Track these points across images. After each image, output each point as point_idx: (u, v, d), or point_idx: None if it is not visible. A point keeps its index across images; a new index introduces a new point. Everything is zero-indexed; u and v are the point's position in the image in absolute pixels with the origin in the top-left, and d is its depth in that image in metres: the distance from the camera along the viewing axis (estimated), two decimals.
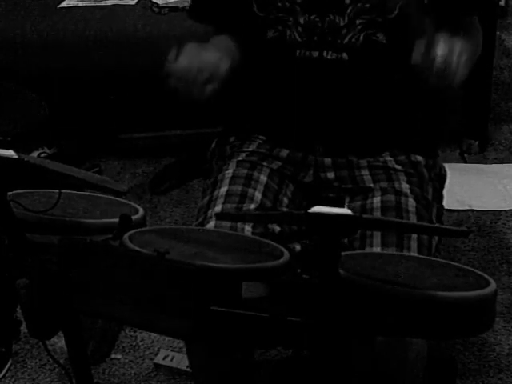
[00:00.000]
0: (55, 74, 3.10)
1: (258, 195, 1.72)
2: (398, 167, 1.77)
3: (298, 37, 1.70)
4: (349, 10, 1.67)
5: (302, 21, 1.69)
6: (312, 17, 1.69)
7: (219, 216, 1.64)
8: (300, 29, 1.69)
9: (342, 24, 1.68)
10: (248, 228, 1.64)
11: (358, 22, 1.67)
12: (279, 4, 1.70)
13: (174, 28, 2.98)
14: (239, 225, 1.64)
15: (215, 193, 1.74)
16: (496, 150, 3.31)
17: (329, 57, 1.69)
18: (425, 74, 1.51)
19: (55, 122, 2.84)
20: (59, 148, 2.99)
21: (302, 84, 1.74)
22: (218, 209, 1.69)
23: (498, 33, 3.41)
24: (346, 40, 1.68)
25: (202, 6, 1.88)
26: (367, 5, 1.66)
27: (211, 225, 1.65)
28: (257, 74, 1.83)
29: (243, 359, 1.79)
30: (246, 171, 1.77)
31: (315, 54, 1.70)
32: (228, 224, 1.63)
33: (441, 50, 1.49)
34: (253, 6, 1.73)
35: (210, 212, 1.70)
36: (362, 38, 1.68)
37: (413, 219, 1.66)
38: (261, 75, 1.82)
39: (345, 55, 1.69)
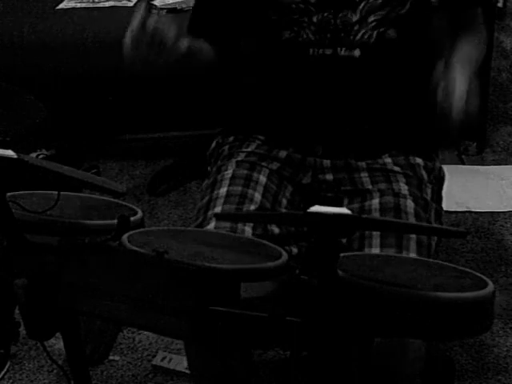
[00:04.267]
0: (53, 75, 3.11)
1: (258, 196, 1.72)
2: (397, 169, 1.77)
3: (311, 35, 1.70)
4: (361, 6, 1.68)
5: (315, 19, 1.69)
6: (325, 14, 1.69)
7: (218, 216, 1.65)
8: (313, 27, 1.69)
9: (354, 20, 1.68)
10: (248, 229, 1.64)
11: (371, 19, 1.67)
12: (293, 6, 1.70)
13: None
14: (239, 226, 1.64)
15: (214, 193, 1.74)
16: (494, 151, 3.32)
17: (342, 53, 1.70)
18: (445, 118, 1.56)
19: (53, 123, 2.85)
20: (58, 149, 2.99)
21: (311, 83, 1.74)
22: (217, 209, 1.68)
23: (495, 34, 3.42)
24: (359, 37, 1.68)
25: (203, 21, 1.86)
26: (379, 0, 1.67)
27: (211, 226, 1.65)
28: (263, 74, 1.83)
29: (242, 360, 1.79)
30: (245, 172, 1.77)
31: (329, 51, 1.70)
32: (228, 225, 1.63)
33: (458, 96, 1.54)
34: (267, 10, 1.73)
35: (209, 213, 1.69)
36: (374, 35, 1.68)
37: (411, 220, 1.66)
38: (267, 75, 1.82)
39: (357, 52, 1.69)
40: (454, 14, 1.79)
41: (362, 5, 1.68)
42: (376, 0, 1.67)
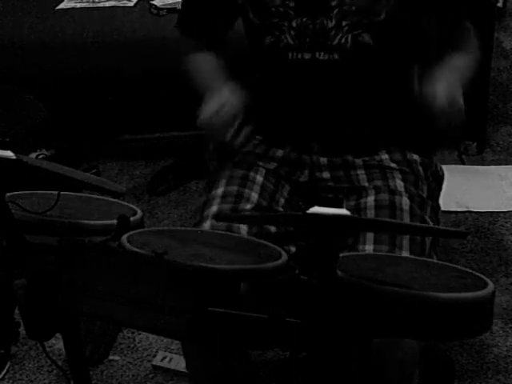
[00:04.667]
0: (53, 75, 3.10)
1: (255, 195, 1.73)
2: (394, 165, 1.78)
3: (290, 40, 1.71)
4: (335, 12, 1.68)
5: (294, 24, 1.70)
6: (304, 19, 1.70)
7: (218, 218, 1.65)
8: (293, 32, 1.70)
9: (330, 26, 1.69)
10: (244, 228, 1.64)
11: (343, 23, 1.68)
12: (273, 9, 1.71)
13: (172, 29, 2.98)
14: (235, 225, 1.64)
15: (211, 193, 1.75)
16: (494, 151, 3.31)
17: (321, 58, 1.70)
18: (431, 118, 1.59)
19: (53, 123, 2.85)
20: (57, 149, 2.99)
21: (296, 86, 1.76)
22: (214, 209, 1.69)
23: (495, 34, 3.41)
24: (336, 41, 1.69)
25: (192, 17, 1.89)
26: (353, 7, 1.68)
27: (207, 225, 1.66)
28: (254, 77, 1.84)
29: (240, 361, 1.79)
30: (242, 172, 1.78)
31: (308, 55, 1.71)
32: (224, 224, 1.63)
33: (441, 100, 1.57)
34: (249, 14, 1.74)
35: (205, 212, 1.70)
36: (349, 39, 1.69)
37: (406, 218, 1.66)
38: (258, 78, 1.83)
39: (336, 56, 1.70)
40: (443, 28, 1.79)
41: (336, 11, 1.68)
42: (350, 6, 1.68)
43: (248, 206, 1.70)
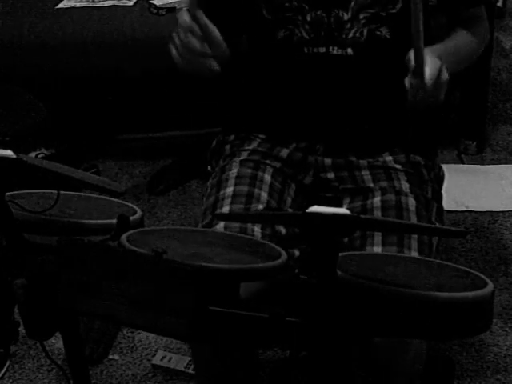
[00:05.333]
0: (53, 75, 3.10)
1: (265, 195, 1.72)
2: (398, 166, 1.77)
3: (305, 34, 1.70)
4: (352, 4, 1.67)
5: (309, 18, 1.69)
6: (318, 12, 1.69)
7: (218, 217, 1.64)
8: (307, 26, 1.70)
9: (346, 18, 1.68)
10: (257, 230, 1.63)
11: (361, 16, 1.67)
12: (287, 4, 1.70)
13: (171, 29, 2.98)
14: (249, 226, 1.63)
15: (221, 193, 1.73)
16: (493, 150, 3.31)
17: (335, 52, 1.70)
18: (413, 97, 1.54)
19: (53, 123, 2.85)
20: (57, 149, 2.99)
21: (307, 81, 1.75)
22: (225, 209, 1.68)
23: (495, 34, 3.41)
24: (351, 35, 1.68)
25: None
26: None
27: (221, 226, 1.63)
28: (260, 72, 1.83)
29: (246, 359, 1.79)
30: (250, 171, 1.77)
31: (322, 49, 1.70)
32: (237, 225, 1.63)
33: (429, 75, 1.51)
34: (262, 10, 1.74)
35: (217, 212, 1.68)
36: (365, 32, 1.68)
37: (413, 218, 1.66)
38: (265, 74, 1.82)
39: (350, 50, 1.69)
40: (455, 12, 1.78)
41: (353, 3, 1.68)
42: None
43: (260, 207, 1.69)
